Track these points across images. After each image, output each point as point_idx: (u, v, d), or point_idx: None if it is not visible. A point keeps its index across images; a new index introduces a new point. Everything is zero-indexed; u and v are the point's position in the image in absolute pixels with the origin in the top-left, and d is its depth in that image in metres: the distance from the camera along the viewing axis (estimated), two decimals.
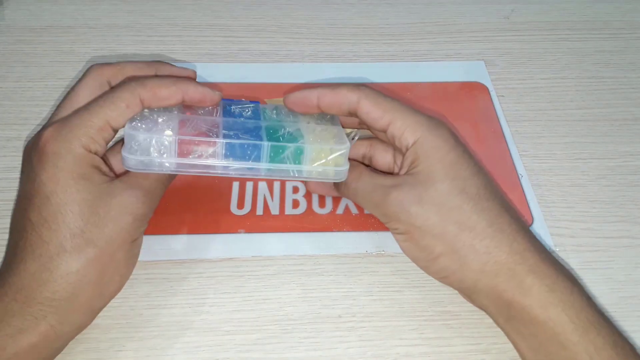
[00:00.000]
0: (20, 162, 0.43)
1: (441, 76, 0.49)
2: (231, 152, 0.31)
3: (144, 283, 0.35)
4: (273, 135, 0.32)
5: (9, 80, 0.48)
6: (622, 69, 0.51)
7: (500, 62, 0.51)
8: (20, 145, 0.43)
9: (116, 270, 0.30)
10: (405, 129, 0.31)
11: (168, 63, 0.35)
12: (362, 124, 0.35)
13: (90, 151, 0.30)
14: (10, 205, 0.39)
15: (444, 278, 0.32)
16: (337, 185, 0.36)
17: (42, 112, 0.45)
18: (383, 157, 0.36)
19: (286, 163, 0.32)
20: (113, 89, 0.31)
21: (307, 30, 0.54)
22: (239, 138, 0.31)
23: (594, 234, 0.39)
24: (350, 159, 0.34)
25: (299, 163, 0.32)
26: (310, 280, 0.36)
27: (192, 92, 0.31)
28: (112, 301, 0.34)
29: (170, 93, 0.31)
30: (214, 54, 0.51)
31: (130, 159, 0.30)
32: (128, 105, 0.30)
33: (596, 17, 0.56)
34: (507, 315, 0.30)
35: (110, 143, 0.32)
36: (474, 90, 0.48)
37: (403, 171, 0.32)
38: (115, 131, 0.31)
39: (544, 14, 0.56)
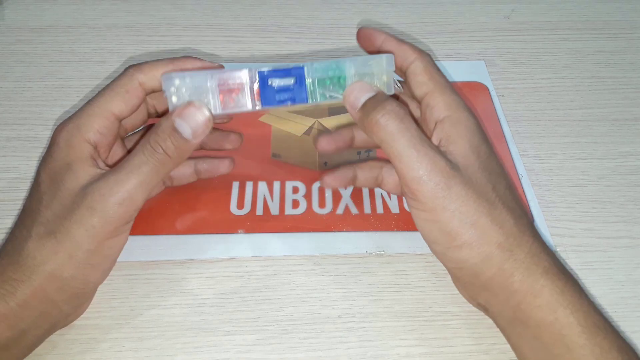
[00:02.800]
0: (19, 162, 0.43)
1: None
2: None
3: (144, 283, 0.35)
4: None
5: (8, 80, 0.48)
6: (622, 69, 0.51)
7: (501, 62, 0.51)
8: (19, 145, 0.43)
9: (76, 268, 0.29)
10: (441, 102, 0.31)
11: (195, 57, 0.33)
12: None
13: (88, 141, 0.30)
14: (9, 205, 0.39)
15: (459, 269, 0.31)
16: (364, 119, 0.30)
17: (42, 112, 0.45)
18: (393, 178, 0.37)
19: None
20: (115, 79, 0.32)
21: (307, 30, 0.54)
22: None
23: (594, 234, 0.39)
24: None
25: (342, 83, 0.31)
26: (310, 280, 0.36)
27: (189, 67, 0.32)
28: (111, 301, 0.34)
29: (162, 72, 0.31)
30: (213, 54, 0.51)
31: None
32: (127, 90, 0.31)
33: (596, 17, 0.56)
34: (511, 317, 0.30)
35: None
36: (474, 90, 0.48)
37: (435, 140, 0.32)
38: (120, 120, 0.32)
39: (545, 13, 0.56)
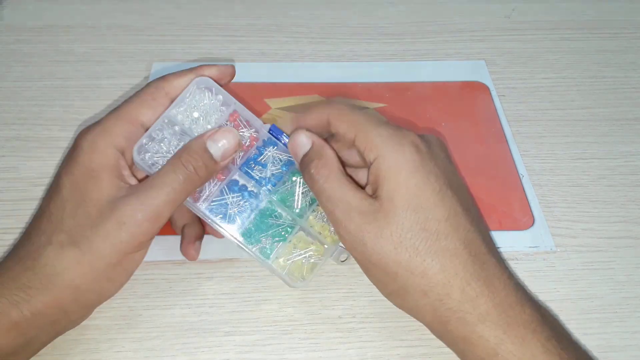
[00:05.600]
0: (18, 162, 0.42)
1: (442, 76, 0.49)
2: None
3: (144, 284, 0.35)
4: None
5: (8, 80, 0.48)
6: (623, 68, 0.50)
7: (501, 62, 0.51)
8: (19, 145, 0.43)
9: (95, 281, 0.29)
10: (367, 144, 0.30)
11: (209, 64, 0.34)
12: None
13: (115, 146, 0.30)
14: (9, 205, 0.39)
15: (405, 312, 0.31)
16: (302, 169, 0.32)
17: (41, 112, 0.45)
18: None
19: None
20: (140, 89, 0.33)
21: (307, 29, 0.54)
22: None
23: (595, 234, 0.38)
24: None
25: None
26: (310, 280, 0.36)
27: (206, 73, 0.33)
28: (111, 302, 0.34)
29: (186, 80, 0.33)
30: (213, 54, 0.51)
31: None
32: (154, 98, 0.32)
33: (597, 16, 0.56)
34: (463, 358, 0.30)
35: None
36: (475, 89, 0.48)
37: (369, 189, 0.30)
38: (145, 127, 0.32)
39: (545, 13, 0.56)
